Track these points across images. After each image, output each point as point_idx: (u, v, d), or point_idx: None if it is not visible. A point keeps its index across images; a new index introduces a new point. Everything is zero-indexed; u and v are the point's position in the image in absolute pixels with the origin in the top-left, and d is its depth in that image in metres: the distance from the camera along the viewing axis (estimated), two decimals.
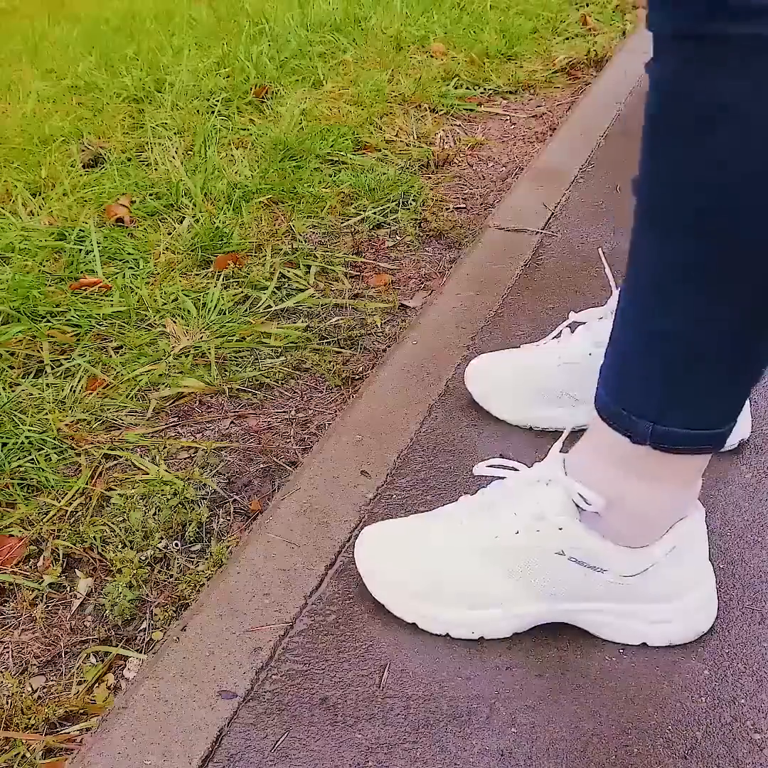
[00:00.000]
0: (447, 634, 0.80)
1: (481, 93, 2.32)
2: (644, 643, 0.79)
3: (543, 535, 0.76)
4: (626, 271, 0.68)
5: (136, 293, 1.41)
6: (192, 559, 0.96)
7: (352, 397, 1.18)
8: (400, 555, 0.82)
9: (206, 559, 0.96)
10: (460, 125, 2.13)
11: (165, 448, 1.11)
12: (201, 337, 1.30)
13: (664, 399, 0.69)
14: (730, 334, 0.64)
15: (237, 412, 1.18)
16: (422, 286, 1.47)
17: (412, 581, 0.81)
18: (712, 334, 0.65)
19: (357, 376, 1.24)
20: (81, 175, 1.80)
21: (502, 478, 0.82)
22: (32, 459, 1.08)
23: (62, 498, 1.03)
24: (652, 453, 0.71)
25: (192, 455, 1.10)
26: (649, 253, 0.65)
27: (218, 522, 1.01)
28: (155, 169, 1.82)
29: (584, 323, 1.05)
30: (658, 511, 0.75)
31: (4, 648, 0.88)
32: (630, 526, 0.75)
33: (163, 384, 1.22)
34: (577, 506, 0.75)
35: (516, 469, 0.81)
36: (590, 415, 0.85)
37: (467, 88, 2.33)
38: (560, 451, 0.79)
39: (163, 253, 1.52)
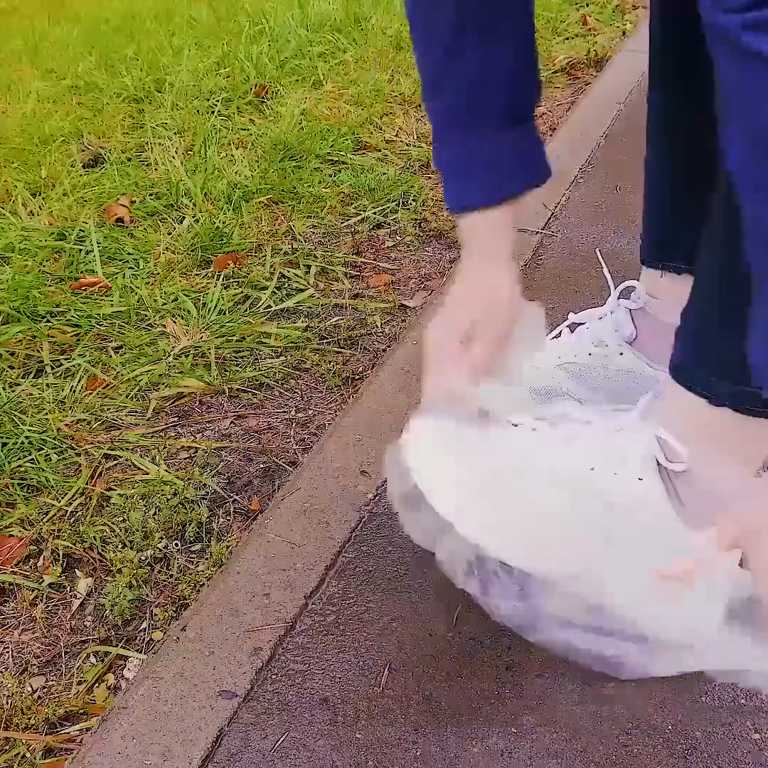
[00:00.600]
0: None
1: None
2: None
3: (618, 486, 0.74)
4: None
5: (136, 293, 1.41)
6: (192, 559, 0.96)
7: (352, 397, 1.18)
8: (462, 457, 0.76)
9: (206, 559, 0.96)
10: None
11: (165, 448, 1.11)
12: (201, 337, 1.30)
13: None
14: None
15: (237, 412, 1.18)
16: (422, 286, 1.47)
17: (478, 489, 0.75)
18: None
19: (357, 376, 1.24)
20: (81, 175, 1.80)
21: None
22: (32, 459, 1.08)
23: (62, 498, 1.03)
24: (727, 419, 0.69)
25: (192, 455, 1.10)
26: None
27: (218, 522, 1.01)
28: (155, 169, 1.82)
29: (584, 324, 1.05)
30: (719, 493, 0.73)
31: (4, 648, 0.88)
32: (690, 504, 0.74)
33: (163, 384, 1.22)
34: (658, 464, 0.73)
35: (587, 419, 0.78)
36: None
37: None
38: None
39: (163, 253, 1.52)
